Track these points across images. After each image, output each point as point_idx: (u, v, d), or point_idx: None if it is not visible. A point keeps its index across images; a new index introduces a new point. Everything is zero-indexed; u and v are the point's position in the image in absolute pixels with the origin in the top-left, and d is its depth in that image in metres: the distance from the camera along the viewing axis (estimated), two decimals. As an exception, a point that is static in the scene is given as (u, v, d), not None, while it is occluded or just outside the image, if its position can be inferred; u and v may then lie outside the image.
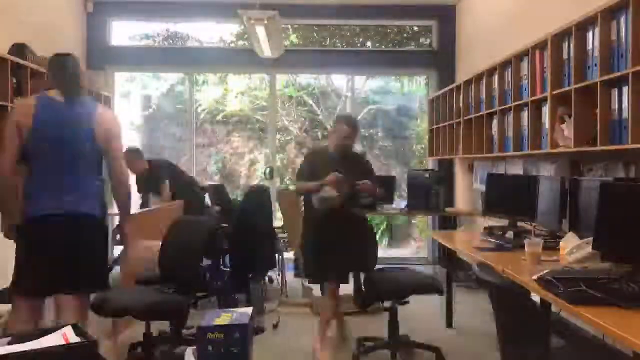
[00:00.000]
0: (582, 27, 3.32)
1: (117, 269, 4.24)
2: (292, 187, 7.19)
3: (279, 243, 5.46)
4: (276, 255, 5.36)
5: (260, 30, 5.08)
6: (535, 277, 2.41)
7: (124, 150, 3.26)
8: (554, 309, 2.73)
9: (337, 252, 3.62)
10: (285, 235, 5.65)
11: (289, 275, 5.64)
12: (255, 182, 9.09)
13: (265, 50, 5.76)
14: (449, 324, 4.41)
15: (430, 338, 3.78)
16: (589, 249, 2.63)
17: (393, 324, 3.68)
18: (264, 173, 7.11)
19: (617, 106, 2.99)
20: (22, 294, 2.82)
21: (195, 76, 7.79)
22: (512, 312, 2.12)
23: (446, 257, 4.56)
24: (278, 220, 6.04)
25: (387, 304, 3.80)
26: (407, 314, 3.85)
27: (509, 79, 4.39)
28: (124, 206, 3.10)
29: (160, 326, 3.67)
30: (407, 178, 6.24)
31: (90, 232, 2.89)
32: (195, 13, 6.99)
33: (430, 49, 7.32)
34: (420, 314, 4.50)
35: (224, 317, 1.59)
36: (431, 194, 5.77)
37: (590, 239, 2.61)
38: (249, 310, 1.66)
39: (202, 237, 3.63)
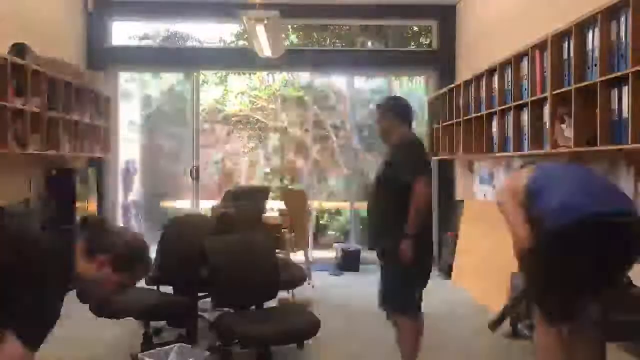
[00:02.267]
0: (582, 27, 3.32)
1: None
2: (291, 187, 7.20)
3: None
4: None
5: (260, 30, 5.07)
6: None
7: None
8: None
9: None
10: (292, 235, 5.67)
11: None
12: (255, 182, 9.10)
13: (265, 50, 5.75)
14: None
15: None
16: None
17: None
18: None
19: (617, 106, 2.99)
20: None
21: (196, 76, 7.77)
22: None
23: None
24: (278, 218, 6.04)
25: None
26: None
27: (509, 79, 4.39)
28: None
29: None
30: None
31: None
32: (195, 13, 6.98)
33: (430, 49, 7.32)
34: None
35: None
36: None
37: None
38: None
39: (203, 235, 3.64)
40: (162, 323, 4.11)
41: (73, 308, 4.92)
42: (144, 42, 8.16)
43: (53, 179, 5.43)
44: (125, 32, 7.63)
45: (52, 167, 5.48)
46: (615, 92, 3.01)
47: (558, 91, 3.54)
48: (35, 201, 5.24)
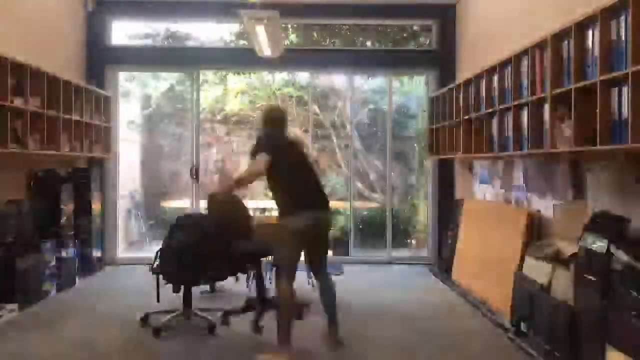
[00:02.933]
0: (582, 27, 3.32)
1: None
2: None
3: None
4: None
5: (260, 30, 5.08)
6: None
7: None
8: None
9: None
10: None
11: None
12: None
13: (265, 50, 5.76)
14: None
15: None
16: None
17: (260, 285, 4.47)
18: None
19: (617, 106, 3.00)
20: None
21: (196, 75, 7.78)
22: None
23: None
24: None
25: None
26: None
27: (509, 79, 4.39)
28: None
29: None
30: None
31: None
32: (195, 13, 6.98)
33: (430, 48, 7.32)
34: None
35: None
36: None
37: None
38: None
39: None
40: (162, 323, 4.11)
41: (74, 309, 4.92)
42: (144, 42, 8.15)
43: (40, 180, 5.41)
44: (125, 32, 7.63)
45: (47, 168, 5.47)
46: (615, 92, 3.01)
47: (558, 91, 3.54)
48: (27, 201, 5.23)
